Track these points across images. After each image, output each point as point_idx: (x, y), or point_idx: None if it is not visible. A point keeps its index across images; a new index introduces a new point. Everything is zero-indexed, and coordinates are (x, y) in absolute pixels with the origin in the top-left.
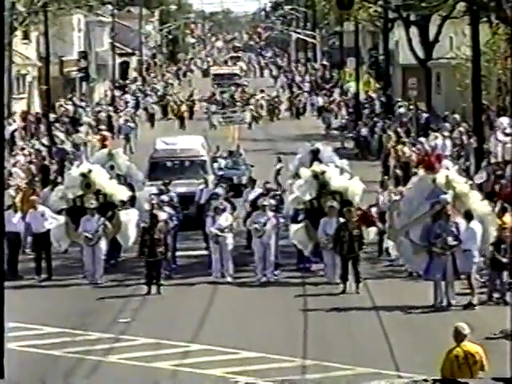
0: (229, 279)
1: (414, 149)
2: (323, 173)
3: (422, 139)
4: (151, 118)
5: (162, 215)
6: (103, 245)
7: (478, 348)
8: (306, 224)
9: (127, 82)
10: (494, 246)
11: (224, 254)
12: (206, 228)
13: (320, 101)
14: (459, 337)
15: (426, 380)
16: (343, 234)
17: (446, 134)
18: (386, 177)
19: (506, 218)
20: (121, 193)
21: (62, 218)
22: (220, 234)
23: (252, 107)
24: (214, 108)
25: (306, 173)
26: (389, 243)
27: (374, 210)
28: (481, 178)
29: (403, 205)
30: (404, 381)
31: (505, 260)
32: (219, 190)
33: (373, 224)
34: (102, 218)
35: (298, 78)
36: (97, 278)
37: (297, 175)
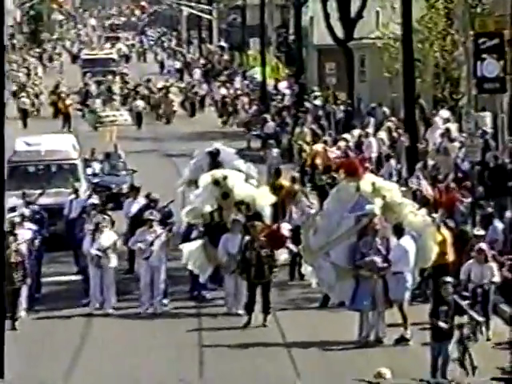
0: (109, 311)
1: (333, 149)
2: (225, 178)
3: (347, 136)
4: (23, 115)
5: (23, 233)
6: None
7: None
8: (204, 242)
9: None
10: (432, 308)
11: (106, 279)
12: (83, 248)
13: (222, 92)
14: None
15: None
16: (250, 254)
17: (372, 130)
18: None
19: (444, 231)
20: None
21: None
22: (101, 255)
23: (141, 103)
24: (98, 103)
25: (204, 179)
26: (306, 268)
27: (285, 226)
28: (417, 183)
29: (321, 220)
30: None
31: (445, 325)
32: (94, 201)
33: (283, 245)
34: None
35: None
36: None
37: (192, 182)
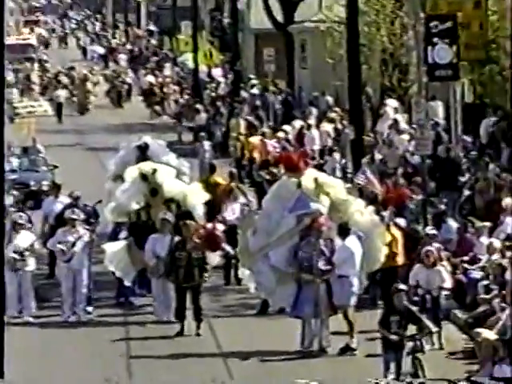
0: (28, 319)
1: (271, 142)
2: (154, 172)
3: (287, 127)
4: None
5: None
6: None
7: None
8: (128, 243)
9: None
10: (383, 316)
11: (24, 284)
12: None
13: (149, 80)
14: None
15: None
16: (179, 255)
17: (314, 121)
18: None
19: (394, 231)
20: None
21: None
22: (18, 257)
23: (63, 93)
24: (15, 93)
25: (131, 173)
26: (243, 272)
27: (220, 227)
28: (363, 178)
29: (260, 219)
30: None
31: (394, 337)
32: (11, 199)
33: (219, 246)
34: None
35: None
36: None
37: (118, 178)
